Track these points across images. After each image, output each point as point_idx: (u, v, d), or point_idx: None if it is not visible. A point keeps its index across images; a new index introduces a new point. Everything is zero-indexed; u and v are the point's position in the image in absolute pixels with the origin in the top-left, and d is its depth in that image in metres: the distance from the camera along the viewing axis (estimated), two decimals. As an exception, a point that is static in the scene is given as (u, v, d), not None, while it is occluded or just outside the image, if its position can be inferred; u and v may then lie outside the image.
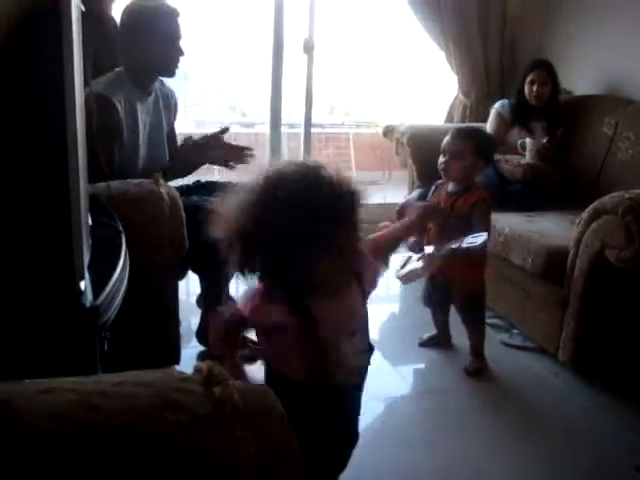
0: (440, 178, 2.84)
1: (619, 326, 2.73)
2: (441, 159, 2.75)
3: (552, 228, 3.14)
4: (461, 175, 2.72)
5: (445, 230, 2.72)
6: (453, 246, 2.51)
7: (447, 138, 2.76)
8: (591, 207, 2.72)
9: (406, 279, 2.96)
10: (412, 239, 2.89)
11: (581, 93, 4.17)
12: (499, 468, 2.27)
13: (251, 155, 2.84)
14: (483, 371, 2.89)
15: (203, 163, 2.89)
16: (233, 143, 2.93)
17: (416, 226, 2.20)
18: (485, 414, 2.61)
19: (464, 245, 2.46)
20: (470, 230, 2.58)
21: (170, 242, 2.25)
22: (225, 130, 2.86)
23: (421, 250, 2.82)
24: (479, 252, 2.50)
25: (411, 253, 2.86)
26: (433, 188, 2.90)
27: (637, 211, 2.50)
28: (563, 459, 2.34)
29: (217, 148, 2.83)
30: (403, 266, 2.96)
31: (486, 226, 2.68)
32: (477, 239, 2.44)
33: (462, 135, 2.73)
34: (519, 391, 2.81)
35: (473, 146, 2.69)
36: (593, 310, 2.74)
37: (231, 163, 2.86)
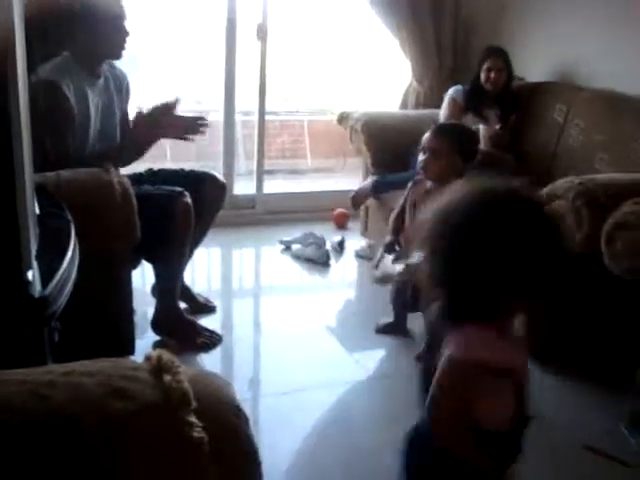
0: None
1: (571, 310, 2.77)
2: (421, 156, 2.71)
3: (505, 213, 3.16)
4: (439, 175, 2.66)
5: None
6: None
7: (427, 134, 2.73)
8: (542, 193, 2.75)
9: (381, 281, 2.95)
10: (388, 238, 2.88)
11: (534, 80, 4.21)
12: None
13: (205, 125, 2.77)
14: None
15: (157, 138, 2.79)
16: (187, 115, 2.85)
17: None
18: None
19: None
20: None
21: (122, 231, 2.22)
22: (176, 102, 2.77)
23: (395, 250, 2.81)
24: None
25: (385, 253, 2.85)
26: (411, 184, 2.87)
27: (587, 196, 2.54)
28: (527, 445, 2.36)
29: (171, 122, 2.75)
30: (377, 266, 2.95)
31: None
32: None
33: (441, 132, 2.69)
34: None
35: (451, 143, 2.64)
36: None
37: (187, 135, 2.78)
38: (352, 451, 2.27)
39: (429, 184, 2.74)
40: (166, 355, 0.96)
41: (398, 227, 2.86)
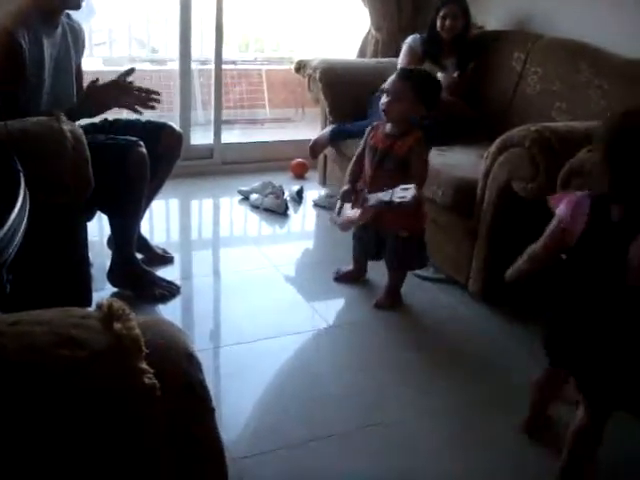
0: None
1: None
2: (383, 99, 2.72)
3: (462, 161, 3.19)
4: (399, 117, 2.69)
5: (382, 173, 2.72)
6: (385, 198, 2.52)
7: (390, 77, 2.73)
8: (499, 140, 2.77)
9: (342, 227, 2.98)
10: (345, 187, 2.89)
11: (492, 28, 4.20)
12: (410, 397, 2.34)
13: (157, 100, 2.72)
14: (395, 306, 2.93)
15: (110, 107, 2.75)
16: (143, 86, 2.80)
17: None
18: (399, 346, 2.67)
19: (395, 199, 2.46)
20: (406, 174, 2.62)
21: (74, 181, 2.17)
22: (130, 71, 2.73)
23: (351, 198, 2.82)
24: (410, 206, 2.47)
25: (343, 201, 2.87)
26: (370, 129, 2.86)
27: (543, 143, 2.55)
28: (477, 387, 2.42)
29: (124, 92, 2.70)
30: (339, 213, 2.96)
31: (423, 169, 2.70)
32: (407, 193, 2.43)
33: (404, 76, 2.70)
34: (431, 323, 2.88)
35: (413, 87, 2.65)
36: (501, 241, 2.81)
37: (137, 107, 2.73)
38: (313, 399, 2.29)
39: (388, 127, 2.74)
40: (117, 303, 0.95)
41: (356, 173, 2.86)
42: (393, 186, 2.51)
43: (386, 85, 2.71)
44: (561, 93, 3.45)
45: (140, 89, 2.73)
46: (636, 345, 1.67)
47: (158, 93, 2.74)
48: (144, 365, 0.86)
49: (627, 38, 3.36)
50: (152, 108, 2.73)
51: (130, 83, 2.71)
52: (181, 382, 0.92)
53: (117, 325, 0.89)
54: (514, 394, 2.33)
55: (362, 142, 2.87)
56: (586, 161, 2.26)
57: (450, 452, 2.08)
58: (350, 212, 2.85)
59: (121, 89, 2.69)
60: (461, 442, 2.13)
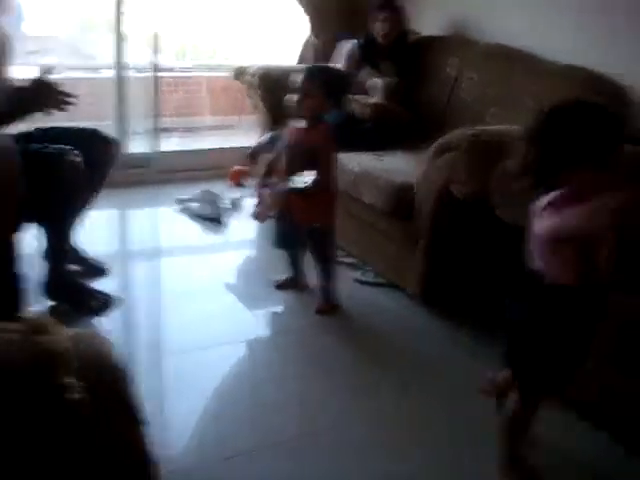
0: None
1: (466, 259, 2.84)
2: (296, 97, 2.77)
3: (400, 166, 3.20)
4: (310, 113, 2.76)
5: (294, 166, 2.76)
6: (290, 185, 2.67)
7: (300, 76, 2.78)
8: (436, 144, 2.79)
9: (259, 217, 3.06)
10: (257, 179, 2.99)
11: (428, 34, 4.24)
12: (352, 402, 2.33)
13: (69, 102, 2.62)
14: (336, 310, 2.93)
15: (32, 112, 2.64)
16: (63, 89, 2.70)
17: None
18: (341, 351, 2.65)
19: (298, 185, 2.64)
20: (315, 165, 2.68)
21: (4, 190, 2.10)
22: (50, 69, 2.61)
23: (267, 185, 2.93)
24: (312, 190, 2.65)
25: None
26: (287, 126, 2.92)
27: (479, 147, 2.58)
28: (419, 390, 2.43)
29: (47, 93, 2.59)
30: (258, 205, 3.02)
31: (330, 161, 2.76)
32: (309, 178, 2.61)
33: (312, 74, 2.77)
34: (373, 326, 2.88)
35: (321, 84, 2.72)
36: (440, 244, 2.83)
37: (48, 109, 2.63)
38: (256, 406, 2.27)
39: (302, 124, 2.80)
40: (44, 317, 0.92)
41: (272, 168, 3.00)
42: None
43: (297, 84, 2.78)
44: (495, 98, 3.50)
45: (61, 92, 2.63)
46: (563, 332, 1.77)
47: (75, 96, 2.64)
48: (70, 379, 0.83)
49: (561, 44, 3.43)
50: (63, 110, 2.62)
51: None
52: (111, 395, 0.89)
53: (40, 338, 0.86)
54: (453, 394, 2.36)
55: (282, 141, 2.95)
56: (517, 165, 2.29)
57: (391, 454, 2.07)
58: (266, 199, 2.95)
59: (43, 91, 2.58)
60: (408, 442, 2.13)
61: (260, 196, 3.09)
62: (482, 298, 2.73)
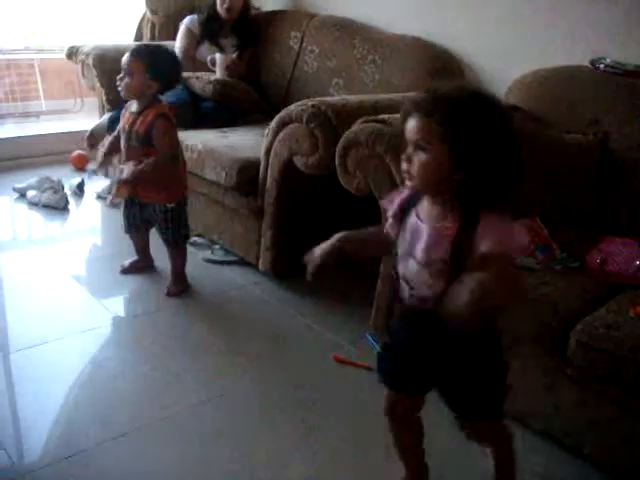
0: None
1: (312, 230, 2.82)
2: (118, 77, 2.66)
3: (244, 142, 3.15)
4: (134, 93, 2.67)
5: (131, 152, 2.70)
6: (119, 176, 2.68)
7: (125, 56, 2.67)
8: (277, 117, 2.75)
9: (109, 204, 2.98)
10: (100, 160, 2.91)
11: (269, 9, 4.21)
12: (205, 381, 2.28)
13: None
14: (186, 291, 2.87)
15: None
16: None
17: None
18: (191, 332, 2.60)
19: (122, 176, 2.65)
20: (152, 150, 2.64)
21: None
22: None
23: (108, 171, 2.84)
24: (131, 181, 2.65)
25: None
26: (124, 110, 2.80)
27: (320, 117, 2.56)
28: (273, 362, 2.42)
29: None
30: (110, 192, 2.93)
31: (167, 142, 2.66)
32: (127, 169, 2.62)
33: (135, 53, 2.66)
34: (224, 305, 2.83)
35: (144, 64, 2.63)
36: (287, 217, 2.82)
37: None
38: (105, 398, 2.18)
39: (134, 105, 2.72)
40: None
41: (111, 151, 2.87)
42: (139, 163, 2.64)
43: (122, 64, 2.68)
44: (337, 69, 3.53)
45: None
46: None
47: None
48: None
49: (395, 16, 3.51)
50: None
51: None
52: None
53: None
54: (307, 366, 2.38)
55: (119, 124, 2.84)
56: (360, 132, 2.29)
57: (251, 432, 2.04)
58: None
59: None
60: (260, 421, 2.10)
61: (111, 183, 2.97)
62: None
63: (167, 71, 2.71)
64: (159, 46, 2.97)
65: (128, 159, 2.70)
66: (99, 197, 3.88)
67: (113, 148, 2.84)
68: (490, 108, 1.33)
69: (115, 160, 2.92)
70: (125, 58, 2.65)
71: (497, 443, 1.68)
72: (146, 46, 2.93)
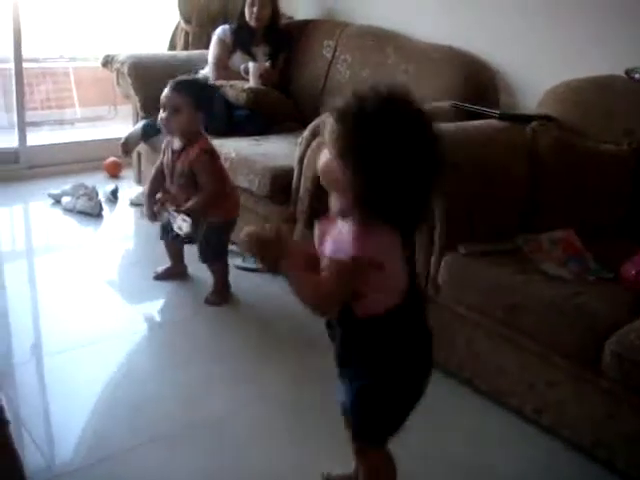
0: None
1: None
2: (161, 114, 2.65)
3: (277, 150, 3.18)
4: (181, 130, 2.65)
5: (177, 189, 2.71)
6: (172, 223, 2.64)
7: (165, 91, 2.66)
8: (311, 126, 2.78)
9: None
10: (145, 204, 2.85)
11: (301, 18, 4.24)
12: (237, 389, 2.30)
13: None
14: (224, 304, 2.87)
15: None
16: None
17: None
18: (224, 340, 2.62)
19: (175, 229, 2.62)
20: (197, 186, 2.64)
21: None
22: None
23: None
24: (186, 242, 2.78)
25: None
26: (164, 145, 2.80)
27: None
28: (306, 369, 2.41)
29: None
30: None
31: (211, 181, 2.65)
32: (183, 225, 2.55)
33: (179, 88, 2.63)
34: (256, 312, 2.86)
35: (190, 100, 2.61)
36: (319, 225, 2.82)
37: None
38: (138, 403, 2.20)
39: (176, 143, 2.70)
40: None
41: (155, 185, 2.81)
42: (186, 200, 2.63)
43: (162, 99, 2.65)
44: (370, 78, 3.53)
45: None
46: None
47: None
48: None
49: (428, 25, 3.52)
50: None
51: None
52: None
53: None
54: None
55: (160, 155, 2.83)
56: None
57: (283, 440, 2.05)
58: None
59: None
60: (294, 428, 2.11)
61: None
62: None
63: (209, 101, 2.72)
64: (197, 79, 2.97)
65: (175, 195, 2.70)
66: (133, 204, 3.92)
67: (153, 189, 2.80)
68: (389, 121, 1.26)
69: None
70: (168, 94, 2.62)
71: (362, 470, 1.62)
72: (186, 81, 2.83)
